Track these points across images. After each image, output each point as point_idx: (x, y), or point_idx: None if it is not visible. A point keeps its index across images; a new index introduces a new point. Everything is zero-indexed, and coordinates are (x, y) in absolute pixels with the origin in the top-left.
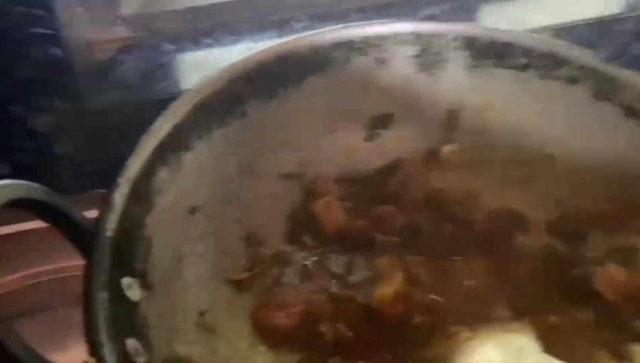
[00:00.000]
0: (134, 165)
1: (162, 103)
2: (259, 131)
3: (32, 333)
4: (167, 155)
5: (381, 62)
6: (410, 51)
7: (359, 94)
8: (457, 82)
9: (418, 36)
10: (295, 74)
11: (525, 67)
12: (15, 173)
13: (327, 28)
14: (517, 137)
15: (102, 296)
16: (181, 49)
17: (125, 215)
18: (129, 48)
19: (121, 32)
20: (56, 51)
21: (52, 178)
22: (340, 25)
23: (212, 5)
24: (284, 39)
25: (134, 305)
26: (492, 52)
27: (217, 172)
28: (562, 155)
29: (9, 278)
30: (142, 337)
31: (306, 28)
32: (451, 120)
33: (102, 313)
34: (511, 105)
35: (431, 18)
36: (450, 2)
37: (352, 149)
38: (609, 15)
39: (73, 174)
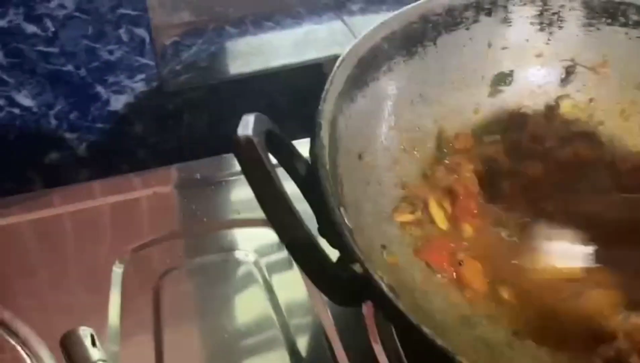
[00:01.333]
0: (326, 111)
1: (230, 85)
2: (401, 86)
3: None
4: (342, 106)
5: (505, 21)
6: (532, 11)
7: (485, 53)
8: (573, 40)
9: None
10: (432, 32)
11: (637, 25)
12: (97, 152)
13: None
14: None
15: (339, 217)
16: (244, 32)
17: (329, 153)
18: (194, 31)
19: (186, 16)
20: (142, 32)
21: (128, 157)
22: None
23: None
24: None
25: (351, 232)
26: (607, 11)
27: (372, 124)
28: None
29: None
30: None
31: (362, 10)
32: (568, 76)
33: (347, 232)
34: (624, 61)
35: None
36: None
37: (478, 106)
38: None
39: (149, 152)
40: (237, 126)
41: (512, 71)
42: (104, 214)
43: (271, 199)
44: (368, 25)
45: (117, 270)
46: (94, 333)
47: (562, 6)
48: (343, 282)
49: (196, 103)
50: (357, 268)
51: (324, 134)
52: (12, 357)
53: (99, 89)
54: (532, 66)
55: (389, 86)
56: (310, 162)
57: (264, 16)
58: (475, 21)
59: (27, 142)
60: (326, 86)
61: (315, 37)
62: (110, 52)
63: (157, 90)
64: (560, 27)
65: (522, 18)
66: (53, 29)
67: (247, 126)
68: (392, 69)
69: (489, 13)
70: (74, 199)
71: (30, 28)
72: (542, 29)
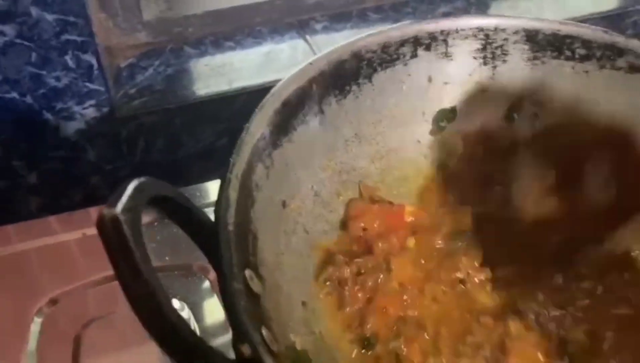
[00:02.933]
0: (240, 162)
1: (188, 108)
2: (334, 127)
3: None
4: (262, 153)
5: (446, 56)
6: (474, 45)
7: (426, 88)
8: (518, 75)
9: (481, 31)
10: (367, 70)
11: (584, 58)
12: (48, 180)
13: (392, 25)
14: (577, 126)
15: (238, 287)
16: (203, 53)
17: (239, 210)
18: (151, 53)
19: (143, 37)
20: (89, 58)
21: (84, 185)
22: (407, 22)
23: (231, 9)
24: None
25: (258, 297)
26: (553, 45)
27: (299, 169)
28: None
29: None
30: (270, 330)
31: (326, 28)
32: (512, 112)
33: (242, 304)
34: (572, 95)
35: (446, 15)
36: None
37: (419, 144)
38: (617, 9)
39: (102, 179)
40: (195, 150)
41: (454, 107)
42: (31, 257)
43: (135, 285)
44: (332, 44)
45: (38, 319)
46: None
47: (505, 39)
48: None
49: (152, 128)
50: (244, 348)
51: (232, 191)
52: None
53: (48, 116)
54: (476, 102)
55: (320, 128)
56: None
57: (224, 36)
58: (414, 56)
59: None
60: (242, 135)
61: (277, 57)
62: (57, 79)
63: (109, 115)
64: (504, 61)
65: (465, 52)
66: None
67: (117, 200)
68: (322, 110)
69: (427, 47)
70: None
71: None
72: (485, 63)
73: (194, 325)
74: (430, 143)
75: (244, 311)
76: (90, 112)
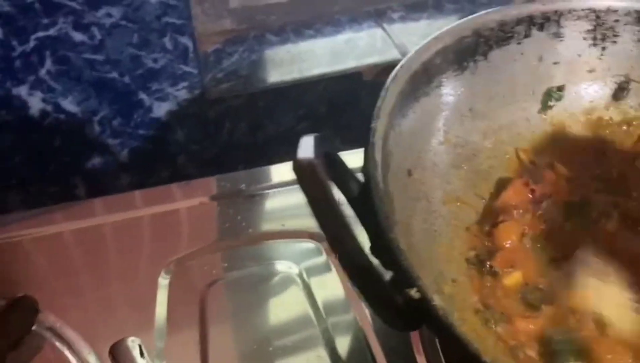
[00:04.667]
0: (379, 127)
1: (269, 93)
2: (451, 101)
3: None
4: (393, 121)
5: (556, 36)
6: (585, 26)
7: (536, 67)
8: (627, 56)
9: (592, 12)
10: (484, 47)
11: None
12: (138, 158)
13: (509, 5)
14: None
15: (394, 238)
16: (285, 40)
17: (381, 173)
18: (236, 39)
19: (228, 24)
20: (185, 40)
21: (169, 164)
22: (522, 2)
23: None
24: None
25: (404, 251)
26: None
27: (421, 140)
28: None
29: None
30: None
31: (402, 18)
32: (620, 92)
33: (402, 252)
34: None
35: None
36: None
37: (527, 123)
38: None
39: (189, 158)
40: (276, 133)
41: (563, 86)
42: (146, 224)
43: (333, 225)
44: (408, 33)
45: (163, 281)
46: (141, 344)
47: (616, 21)
48: (399, 307)
49: (237, 111)
50: (413, 292)
51: (377, 152)
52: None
53: (142, 96)
54: (584, 82)
55: (439, 101)
56: (363, 181)
57: (304, 24)
58: (527, 36)
59: (71, 147)
60: (378, 103)
61: (355, 45)
62: (155, 60)
63: (199, 98)
64: (614, 43)
65: (575, 33)
66: (100, 37)
67: (307, 148)
68: (442, 84)
69: (540, 28)
70: (117, 208)
71: (78, 36)
72: (595, 44)
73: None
74: (538, 120)
75: (404, 259)
76: (182, 94)
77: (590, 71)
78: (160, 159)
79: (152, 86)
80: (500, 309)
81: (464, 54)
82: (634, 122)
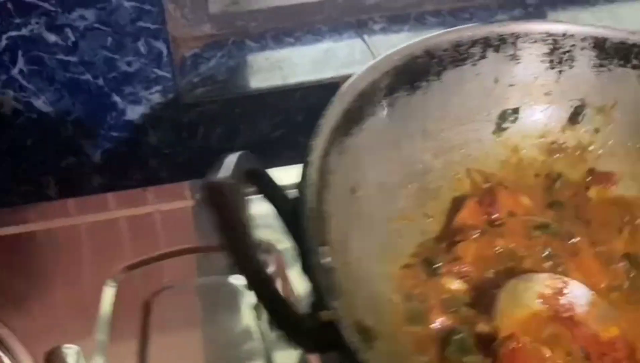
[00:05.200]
0: (318, 147)
1: (247, 99)
2: (401, 120)
3: None
4: (336, 139)
5: (514, 58)
6: (542, 49)
7: (491, 89)
8: (583, 80)
9: (549, 35)
10: (437, 67)
11: None
12: (111, 159)
13: (465, 25)
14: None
15: (317, 261)
16: (264, 47)
17: (317, 192)
18: (215, 44)
19: (207, 29)
20: (160, 45)
21: (144, 167)
22: (476, 24)
23: (293, 6)
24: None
25: (330, 271)
26: (619, 53)
27: (367, 158)
28: None
29: None
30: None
31: (384, 30)
32: (575, 116)
33: (321, 275)
34: (636, 104)
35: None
36: (522, 8)
37: (480, 144)
38: None
39: (162, 162)
40: (251, 140)
41: (518, 108)
42: (115, 226)
43: (237, 249)
44: (389, 45)
45: (109, 289)
46: (79, 351)
47: (573, 45)
48: (309, 329)
49: (212, 116)
50: (323, 314)
51: (312, 171)
52: None
53: (116, 98)
54: (540, 104)
55: (389, 120)
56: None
57: (284, 32)
58: (483, 57)
59: (44, 147)
60: (320, 121)
61: (334, 55)
62: (129, 64)
63: (173, 102)
64: (571, 67)
65: (532, 55)
66: (73, 39)
67: (221, 170)
68: (393, 103)
69: (497, 49)
70: (88, 210)
71: (52, 37)
72: (552, 67)
73: None
74: (492, 142)
75: (324, 281)
76: (156, 98)
77: (547, 94)
78: (133, 162)
79: (125, 89)
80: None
81: (415, 74)
82: (589, 148)
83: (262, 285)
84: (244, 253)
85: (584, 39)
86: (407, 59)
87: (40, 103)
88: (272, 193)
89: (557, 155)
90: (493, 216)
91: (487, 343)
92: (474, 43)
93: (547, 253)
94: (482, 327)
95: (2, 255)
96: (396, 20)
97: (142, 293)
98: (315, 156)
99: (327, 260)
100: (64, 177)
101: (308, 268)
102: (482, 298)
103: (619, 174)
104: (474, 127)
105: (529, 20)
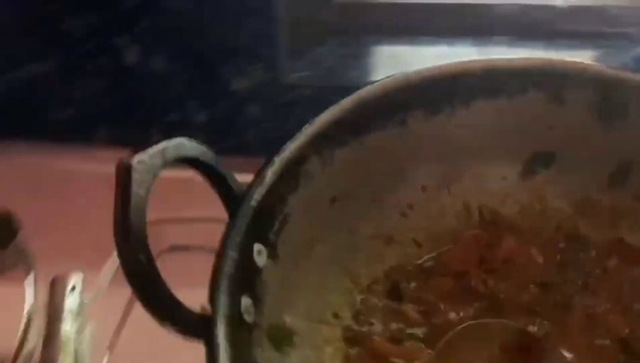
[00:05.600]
0: (291, 149)
1: (349, 90)
2: (415, 141)
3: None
4: (323, 147)
5: (557, 100)
6: (592, 95)
7: (526, 128)
8: (635, 137)
9: (601, 81)
10: (465, 94)
11: None
12: (210, 123)
13: (505, 56)
14: None
15: (232, 255)
16: (378, 42)
17: (272, 190)
18: (331, 32)
19: (327, 17)
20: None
21: (238, 134)
22: (520, 55)
23: (417, 5)
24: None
25: (258, 270)
26: None
27: (364, 171)
28: None
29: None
30: (257, 300)
31: (505, 43)
32: (618, 176)
33: (228, 268)
34: None
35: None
36: None
37: (503, 182)
38: None
39: (257, 135)
40: None
41: (554, 154)
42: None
43: (124, 234)
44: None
45: None
46: (83, 278)
47: (629, 97)
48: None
49: (310, 101)
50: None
51: (270, 171)
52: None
53: (224, 68)
54: (580, 155)
55: (398, 138)
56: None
57: (402, 29)
58: (522, 91)
59: (155, 101)
60: (306, 125)
61: (448, 59)
62: (240, 38)
63: (275, 80)
64: (624, 120)
65: (579, 101)
66: (194, 8)
67: (140, 152)
68: (406, 122)
69: (538, 86)
70: None
71: (177, 4)
72: (601, 118)
73: None
74: (515, 184)
75: (226, 276)
76: (260, 74)
77: (590, 145)
78: (229, 130)
79: (233, 60)
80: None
81: (438, 96)
82: (625, 215)
83: (140, 277)
84: (128, 239)
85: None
86: (430, 80)
87: (158, 60)
88: (219, 181)
89: (588, 214)
90: (487, 259)
91: None
92: (512, 76)
93: (535, 309)
94: None
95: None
96: (520, 37)
97: (160, 246)
98: (281, 157)
99: (257, 257)
100: (167, 132)
101: (215, 261)
102: (436, 335)
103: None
104: (498, 164)
105: (579, 62)
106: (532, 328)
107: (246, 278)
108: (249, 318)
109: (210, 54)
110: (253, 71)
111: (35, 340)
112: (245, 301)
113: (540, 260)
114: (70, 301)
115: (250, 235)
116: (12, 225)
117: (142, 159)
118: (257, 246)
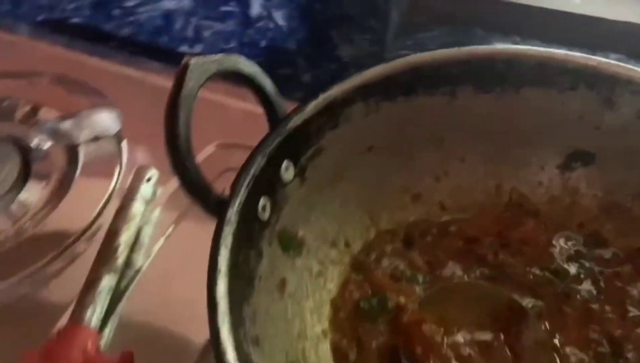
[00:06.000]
0: (336, 89)
1: None
2: (461, 114)
3: None
4: (370, 96)
5: (607, 103)
6: None
7: (572, 124)
8: None
9: None
10: (517, 79)
11: None
12: (314, 84)
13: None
14: None
15: (260, 161)
16: (490, 37)
17: (310, 121)
18: (444, 21)
19: (445, 6)
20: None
21: None
22: (578, 53)
23: (535, 8)
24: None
25: (283, 182)
26: None
27: (406, 130)
28: None
29: None
30: (275, 206)
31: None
32: None
33: (252, 170)
34: None
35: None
36: None
37: (540, 171)
38: None
39: None
40: None
41: (594, 155)
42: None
43: (171, 123)
44: None
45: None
46: (156, 176)
47: None
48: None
49: None
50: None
51: (312, 105)
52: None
53: (333, 34)
54: (621, 159)
55: (443, 102)
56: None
57: (514, 30)
58: (573, 88)
59: (271, 52)
60: (357, 74)
61: None
62: (352, 8)
63: (379, 53)
64: None
65: (630, 107)
66: None
67: (208, 57)
68: (455, 93)
69: (591, 86)
70: None
71: None
72: None
73: None
74: (551, 174)
75: (249, 175)
76: (365, 44)
77: (631, 152)
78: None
79: (343, 28)
80: None
81: (492, 76)
82: None
83: (179, 155)
84: (174, 122)
85: None
86: (483, 58)
87: (279, 16)
88: (268, 105)
89: (614, 219)
90: (504, 235)
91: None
92: (565, 70)
93: (536, 289)
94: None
95: None
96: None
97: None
98: (326, 96)
99: (285, 172)
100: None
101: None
102: (434, 284)
103: None
104: (539, 153)
105: (634, 69)
106: (526, 303)
107: (269, 184)
108: (263, 216)
109: (324, 18)
110: (360, 41)
111: (109, 216)
112: (264, 201)
113: (556, 249)
114: (145, 188)
115: (281, 151)
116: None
117: (199, 62)
118: (286, 163)
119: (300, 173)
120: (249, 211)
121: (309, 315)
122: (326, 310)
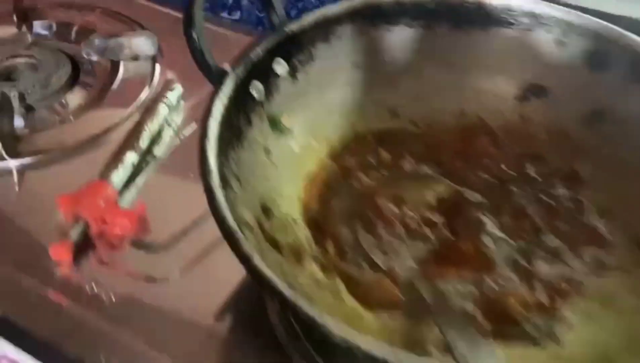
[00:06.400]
0: (329, 9)
1: None
2: (437, 46)
3: None
4: (357, 20)
5: (559, 44)
6: (587, 46)
7: (528, 60)
8: (615, 88)
9: (597, 36)
10: (484, 20)
11: None
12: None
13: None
14: None
15: (254, 55)
16: None
17: (305, 31)
18: None
19: None
20: None
21: None
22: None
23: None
24: None
25: (275, 74)
26: None
27: (388, 55)
28: None
29: None
30: (267, 91)
31: None
32: (591, 119)
33: (254, 55)
34: None
35: None
36: None
37: (498, 99)
38: None
39: None
40: None
41: (546, 89)
42: None
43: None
44: None
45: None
46: (181, 88)
47: (616, 51)
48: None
49: None
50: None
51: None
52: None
53: None
54: (569, 94)
55: (417, 41)
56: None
57: None
58: (529, 30)
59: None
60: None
61: None
62: None
63: None
64: (604, 71)
65: (577, 48)
66: None
67: None
68: (430, 26)
69: (547, 30)
70: None
71: None
72: (590, 67)
73: None
74: (509, 103)
75: (244, 60)
76: None
77: (577, 89)
78: None
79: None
80: None
81: (456, 15)
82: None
83: (193, 28)
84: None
85: (623, 47)
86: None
87: None
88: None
89: (557, 143)
90: (462, 149)
91: None
92: (523, 14)
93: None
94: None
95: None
96: None
97: None
98: (322, 12)
99: (278, 67)
100: None
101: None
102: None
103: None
104: (498, 83)
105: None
106: (470, 196)
107: (264, 71)
108: (256, 95)
109: None
110: None
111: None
112: (257, 84)
113: (504, 163)
114: (170, 95)
115: (277, 48)
116: None
117: None
118: (278, 59)
119: (292, 73)
120: (244, 84)
121: (285, 181)
122: (300, 181)
